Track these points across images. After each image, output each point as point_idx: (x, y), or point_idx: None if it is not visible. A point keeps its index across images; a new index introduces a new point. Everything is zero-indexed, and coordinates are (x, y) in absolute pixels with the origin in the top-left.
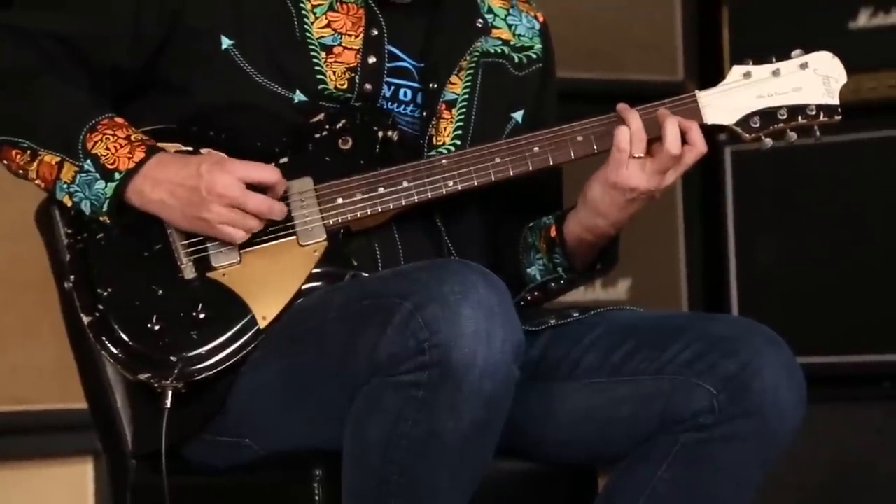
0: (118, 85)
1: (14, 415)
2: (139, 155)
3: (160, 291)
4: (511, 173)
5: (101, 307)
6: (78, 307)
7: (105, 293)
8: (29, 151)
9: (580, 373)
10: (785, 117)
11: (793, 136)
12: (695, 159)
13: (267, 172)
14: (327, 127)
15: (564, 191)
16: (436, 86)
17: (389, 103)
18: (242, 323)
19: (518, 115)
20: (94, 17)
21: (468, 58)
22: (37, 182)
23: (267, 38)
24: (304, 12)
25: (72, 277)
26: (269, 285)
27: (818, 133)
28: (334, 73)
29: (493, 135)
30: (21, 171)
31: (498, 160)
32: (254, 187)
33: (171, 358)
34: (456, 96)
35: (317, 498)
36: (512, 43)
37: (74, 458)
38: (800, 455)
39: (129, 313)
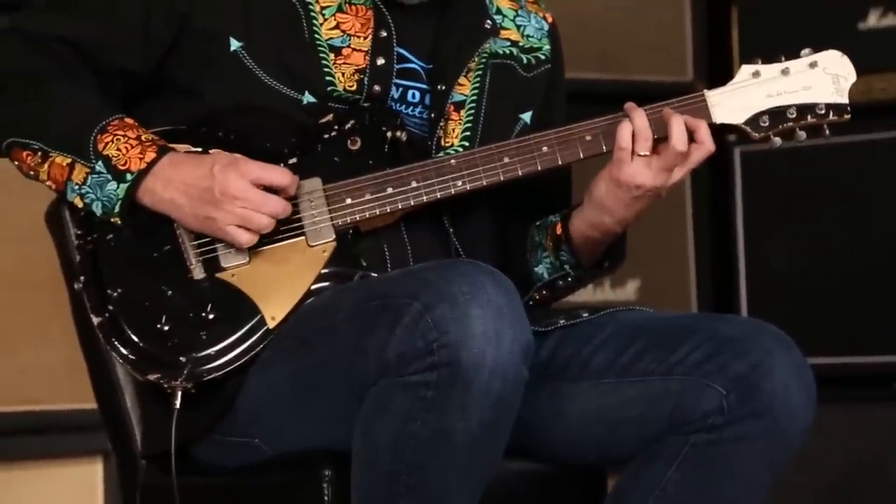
0: (128, 87)
1: (24, 415)
2: (150, 155)
3: (170, 292)
4: (520, 173)
5: (110, 308)
6: (88, 308)
7: (115, 294)
8: (40, 153)
9: (589, 373)
10: (794, 116)
11: (802, 135)
12: (702, 158)
13: (279, 174)
14: (336, 127)
15: (573, 190)
16: (444, 87)
17: (398, 105)
18: (252, 323)
19: (526, 117)
20: (104, 20)
21: (476, 59)
22: (48, 183)
23: (275, 40)
24: (312, 14)
25: (82, 278)
26: (279, 286)
27: (828, 132)
28: (343, 74)
29: (501, 136)
30: (32, 173)
31: (507, 160)
32: (265, 188)
33: (181, 358)
34: (464, 98)
35: (326, 498)
36: (520, 44)
37: (84, 458)
38: (809, 456)
39: (138, 314)
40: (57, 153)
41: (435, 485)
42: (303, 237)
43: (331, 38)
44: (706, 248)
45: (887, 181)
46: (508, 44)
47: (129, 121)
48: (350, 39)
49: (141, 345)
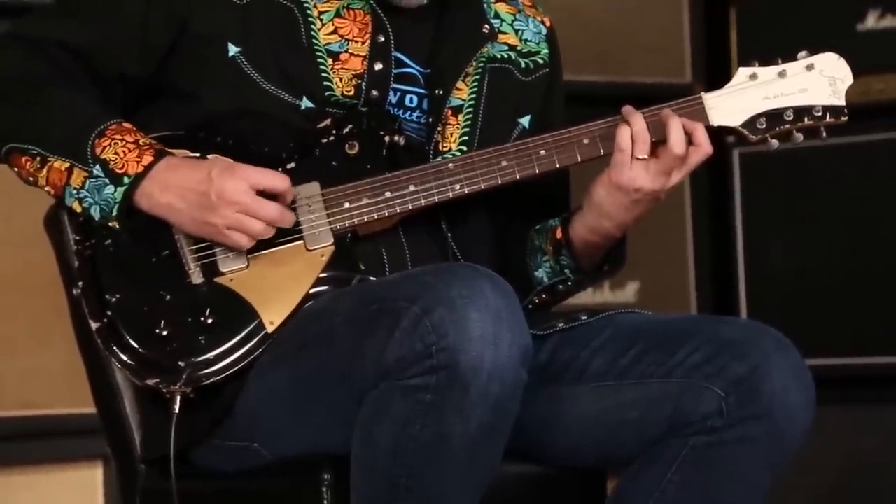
0: (127, 92)
1: (24, 419)
2: (147, 159)
3: (168, 297)
4: (517, 176)
5: (109, 313)
6: (86, 313)
7: (113, 299)
8: (38, 158)
9: (588, 376)
10: (791, 118)
11: (799, 137)
12: (700, 160)
13: (277, 179)
14: (334, 132)
15: (572, 193)
16: (441, 92)
17: (395, 109)
18: (250, 328)
19: (525, 121)
20: (103, 26)
21: (474, 63)
22: (46, 189)
23: (273, 45)
24: (310, 19)
25: (80, 284)
26: (277, 290)
27: (825, 134)
28: (341, 79)
29: (499, 140)
30: (31, 179)
31: (504, 163)
32: (263, 193)
33: (180, 363)
34: (462, 102)
35: (325, 502)
36: (519, 48)
37: (84, 462)
38: (809, 457)
39: (137, 319)
40: (55, 158)
41: (434, 488)
42: (301, 241)
43: (329, 43)
44: (705, 250)
45: (886, 182)
46: (506, 48)
47: (127, 125)
48: (348, 44)
49: (140, 350)
